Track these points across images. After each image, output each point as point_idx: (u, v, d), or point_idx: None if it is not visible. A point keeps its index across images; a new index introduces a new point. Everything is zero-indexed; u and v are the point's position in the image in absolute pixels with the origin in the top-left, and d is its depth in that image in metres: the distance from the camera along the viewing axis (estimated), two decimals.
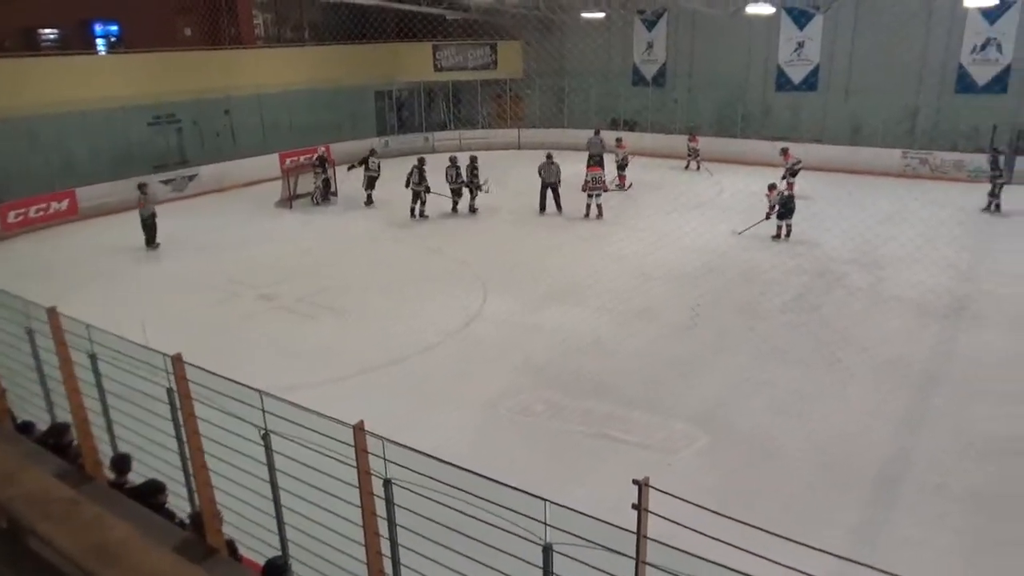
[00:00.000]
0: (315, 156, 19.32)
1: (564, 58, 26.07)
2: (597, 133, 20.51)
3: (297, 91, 22.74)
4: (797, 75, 22.68)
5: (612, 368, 9.39)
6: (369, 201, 18.31)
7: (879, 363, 9.40)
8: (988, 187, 16.73)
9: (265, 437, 4.60)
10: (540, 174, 16.85)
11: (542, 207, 16.82)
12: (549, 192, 16.99)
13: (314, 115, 23.43)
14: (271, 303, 12.11)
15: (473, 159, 17.44)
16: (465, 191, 17.29)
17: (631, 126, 25.77)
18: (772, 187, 15.03)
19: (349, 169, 19.14)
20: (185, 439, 4.57)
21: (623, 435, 7.95)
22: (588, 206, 16.72)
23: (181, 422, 4.62)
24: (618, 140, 20.46)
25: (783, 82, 22.89)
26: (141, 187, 15.54)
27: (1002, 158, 17.08)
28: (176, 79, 20.12)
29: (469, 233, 16.00)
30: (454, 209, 17.26)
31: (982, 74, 19.98)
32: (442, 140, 26.33)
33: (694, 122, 24.25)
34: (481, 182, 17.23)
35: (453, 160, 17.24)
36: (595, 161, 18.24)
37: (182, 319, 11.29)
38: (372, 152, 18.77)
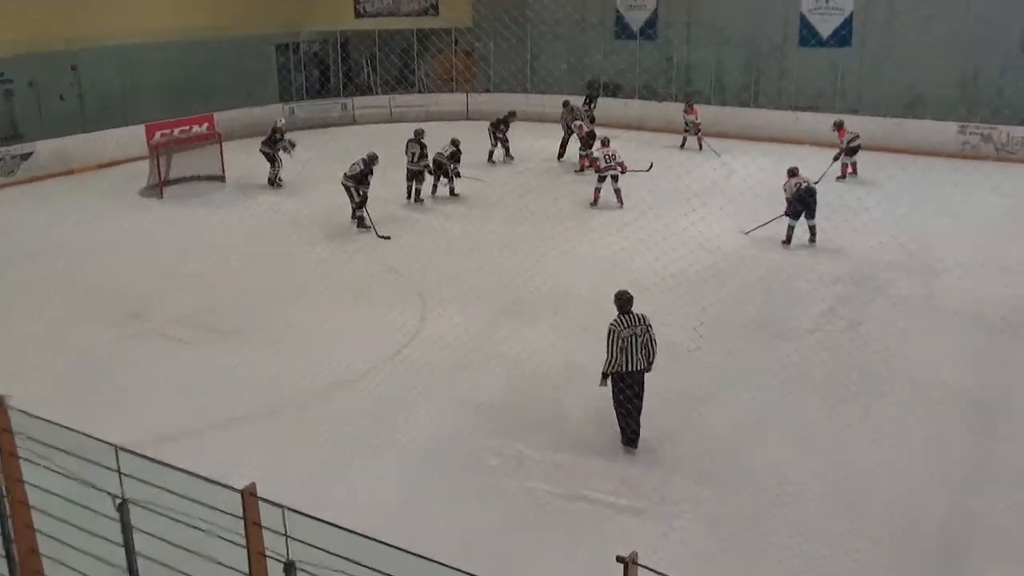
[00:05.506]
0: (273, 130, 19.19)
1: (526, 2, 26.23)
2: (566, 105, 21.57)
3: (171, 42, 22.39)
4: (825, 27, 23.19)
5: (590, 407, 9.36)
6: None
7: (933, 397, 9.58)
8: None
9: (122, 508, 4.48)
10: None
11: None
12: None
13: (194, 74, 23.09)
14: (138, 325, 11.87)
15: (418, 133, 17.96)
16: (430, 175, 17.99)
17: (613, 91, 26.04)
18: (792, 173, 15.10)
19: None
20: (8, 513, 4.42)
21: (605, 496, 7.93)
22: (597, 191, 17.46)
23: (3, 491, 4.48)
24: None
25: (808, 36, 23.38)
26: None
27: None
28: (3, 24, 19.63)
29: (401, 231, 15.93)
30: (417, 198, 17.82)
31: None
32: (366, 108, 26.24)
33: (693, 87, 24.60)
34: (427, 162, 17.85)
35: (418, 134, 17.85)
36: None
37: (8, 349, 10.96)
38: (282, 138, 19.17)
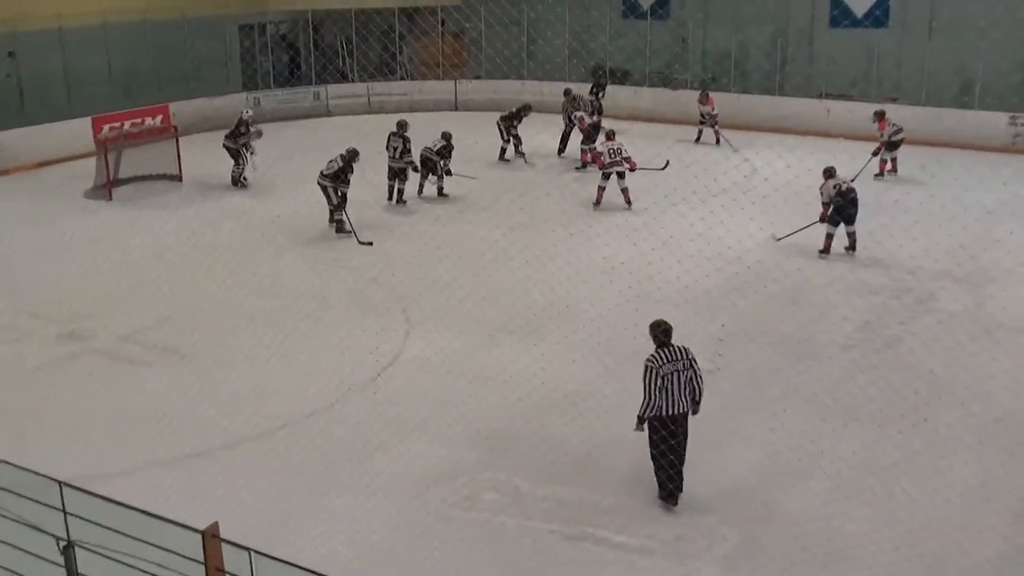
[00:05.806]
0: (238, 123, 19.23)
1: None
2: (567, 94, 21.86)
3: (120, 24, 22.45)
4: (859, 5, 23.32)
5: (597, 435, 9.35)
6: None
7: (984, 423, 9.57)
8: None
9: (67, 551, 4.48)
10: None
11: None
12: None
13: (147, 60, 23.13)
14: (81, 344, 11.86)
15: (401, 125, 17.99)
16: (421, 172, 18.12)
17: (621, 77, 26.13)
18: (829, 173, 14.90)
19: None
20: None
21: (614, 535, 7.92)
22: (601, 190, 17.65)
23: None
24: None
25: (839, 16, 23.50)
26: None
27: None
28: None
29: (383, 236, 15.97)
30: (400, 199, 17.95)
31: None
32: (341, 98, 26.32)
33: (710, 73, 24.67)
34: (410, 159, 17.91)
35: (401, 127, 17.91)
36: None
37: None
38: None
